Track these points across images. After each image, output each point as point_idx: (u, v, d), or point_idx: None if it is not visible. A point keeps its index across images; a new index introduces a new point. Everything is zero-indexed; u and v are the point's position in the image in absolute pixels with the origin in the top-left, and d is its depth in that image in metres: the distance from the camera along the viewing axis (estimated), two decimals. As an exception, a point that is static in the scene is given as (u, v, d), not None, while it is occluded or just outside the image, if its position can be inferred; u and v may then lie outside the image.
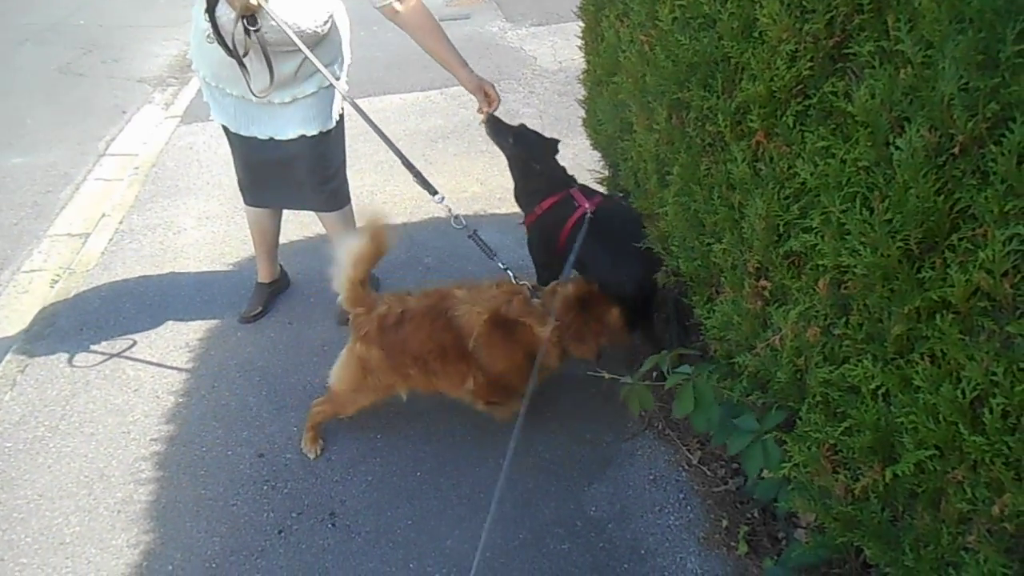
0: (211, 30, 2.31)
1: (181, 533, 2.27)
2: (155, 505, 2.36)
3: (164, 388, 2.82)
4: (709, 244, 1.95)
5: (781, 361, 1.67)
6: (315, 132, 2.65)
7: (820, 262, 1.50)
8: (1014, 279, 1.13)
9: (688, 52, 1.84)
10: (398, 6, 2.51)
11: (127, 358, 2.97)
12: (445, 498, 2.34)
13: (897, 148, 1.26)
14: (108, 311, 3.26)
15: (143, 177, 4.41)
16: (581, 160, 3.35)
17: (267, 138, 2.65)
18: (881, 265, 1.33)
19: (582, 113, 3.11)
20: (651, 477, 2.37)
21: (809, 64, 1.49)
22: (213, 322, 3.15)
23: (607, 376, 2.11)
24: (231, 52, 2.33)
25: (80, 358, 2.98)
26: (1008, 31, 1.08)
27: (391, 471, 2.43)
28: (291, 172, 2.77)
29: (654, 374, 2.12)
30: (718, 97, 1.78)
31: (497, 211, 3.80)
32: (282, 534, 2.25)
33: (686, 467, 2.39)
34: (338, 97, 2.70)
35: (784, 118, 1.59)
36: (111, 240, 3.79)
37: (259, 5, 2.24)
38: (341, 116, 2.80)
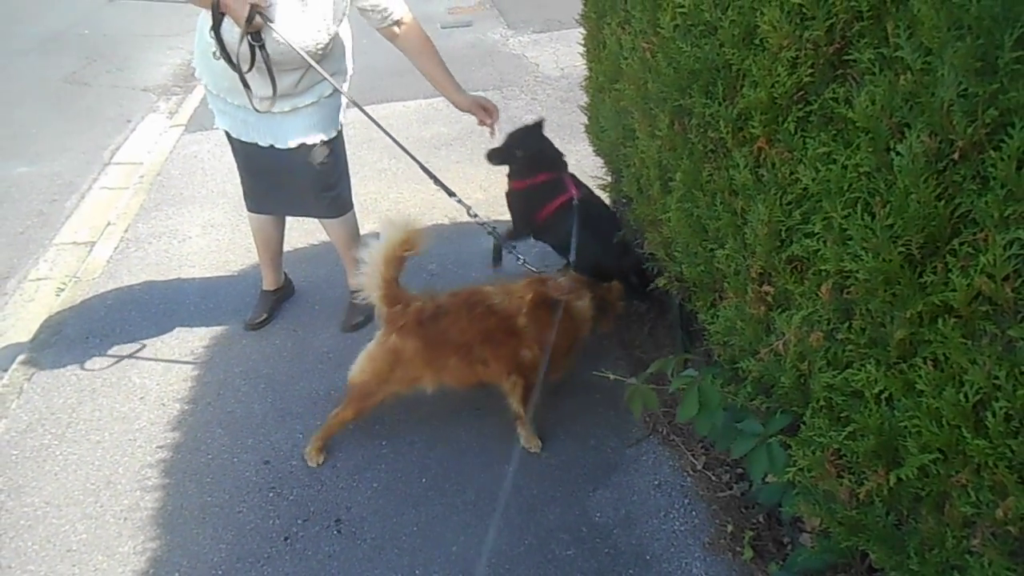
0: (217, 47, 2.35)
1: (187, 540, 2.27)
2: (161, 512, 2.37)
3: (170, 395, 2.83)
4: (712, 249, 1.96)
5: (785, 366, 1.68)
6: (316, 141, 2.68)
7: (822, 267, 1.51)
8: (1015, 283, 1.13)
9: (690, 59, 1.86)
10: (397, 29, 2.62)
11: (133, 366, 2.99)
12: (450, 504, 2.34)
13: (898, 154, 1.27)
14: (114, 319, 3.27)
15: (148, 185, 4.43)
16: (584, 166, 3.36)
17: (267, 145, 2.68)
18: (883, 270, 1.34)
19: (584, 119, 3.13)
20: (656, 482, 2.38)
21: (810, 71, 1.50)
22: (218, 330, 3.17)
23: (612, 377, 2.11)
24: (236, 68, 2.37)
25: (86, 366, 2.99)
26: (1006, 37, 1.09)
27: (397, 478, 2.44)
28: (292, 179, 2.79)
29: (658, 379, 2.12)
30: (720, 104, 1.79)
31: (501, 217, 3.79)
32: (288, 541, 2.26)
33: (691, 472, 2.40)
34: (340, 107, 2.74)
35: (785, 124, 1.60)
36: (116, 248, 3.81)
37: (264, 23, 2.27)
38: (341, 125, 2.82)
